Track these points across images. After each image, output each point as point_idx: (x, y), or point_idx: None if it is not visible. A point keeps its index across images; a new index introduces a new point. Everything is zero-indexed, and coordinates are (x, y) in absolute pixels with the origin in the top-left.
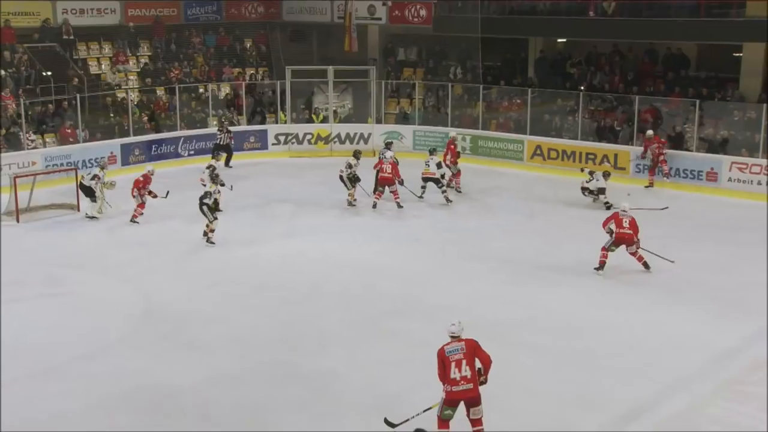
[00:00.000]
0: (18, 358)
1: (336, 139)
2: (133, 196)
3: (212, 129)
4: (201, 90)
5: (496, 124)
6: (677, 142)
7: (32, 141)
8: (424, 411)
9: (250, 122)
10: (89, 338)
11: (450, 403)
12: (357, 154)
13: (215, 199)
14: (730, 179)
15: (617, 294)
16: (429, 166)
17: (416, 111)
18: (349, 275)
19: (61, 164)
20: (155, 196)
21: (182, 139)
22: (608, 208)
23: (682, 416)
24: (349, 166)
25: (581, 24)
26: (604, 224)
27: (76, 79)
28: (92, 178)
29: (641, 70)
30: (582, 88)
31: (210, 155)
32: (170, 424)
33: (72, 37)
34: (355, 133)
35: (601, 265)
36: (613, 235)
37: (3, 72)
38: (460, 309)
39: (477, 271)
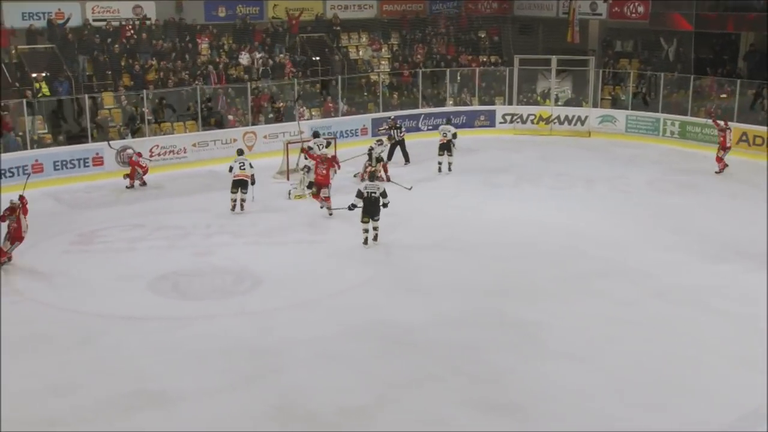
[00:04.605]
0: (281, 290)
1: (555, 120)
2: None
3: (449, 108)
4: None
5: (704, 111)
6: None
7: (301, 113)
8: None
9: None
10: (338, 278)
11: None
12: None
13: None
14: None
15: None
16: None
17: (629, 97)
18: (559, 238)
19: (323, 134)
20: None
21: (422, 115)
22: None
23: None
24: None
25: None
26: None
27: (338, 61)
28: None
29: None
30: None
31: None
32: (399, 354)
33: (338, 28)
34: (573, 116)
35: None
36: None
37: (282, 55)
38: (657, 275)
39: (676, 242)
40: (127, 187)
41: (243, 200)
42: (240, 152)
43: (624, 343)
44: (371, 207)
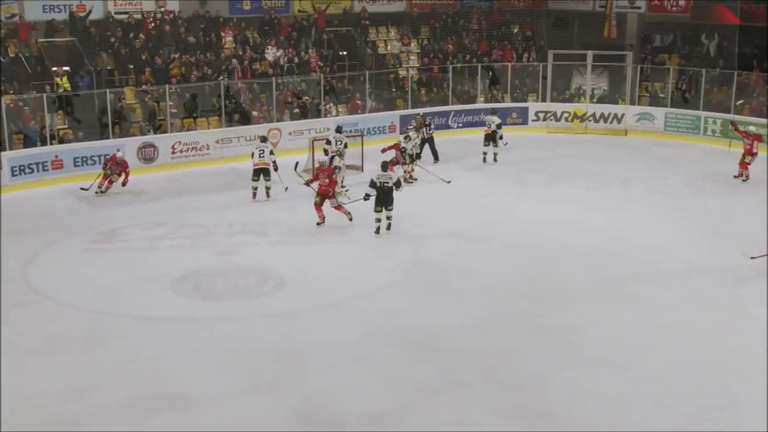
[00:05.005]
0: (306, 291)
1: (591, 118)
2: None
3: (480, 105)
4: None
5: (749, 109)
6: None
7: (327, 109)
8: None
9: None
10: (364, 279)
11: None
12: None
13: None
14: None
15: None
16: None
17: (668, 94)
18: (593, 240)
19: (349, 131)
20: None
21: (452, 113)
22: None
23: None
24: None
25: None
26: None
27: (368, 56)
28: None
29: None
30: None
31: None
32: (426, 359)
33: (367, 22)
34: (609, 113)
35: None
36: None
37: (311, 50)
38: (694, 279)
39: (716, 246)
40: (102, 191)
41: (268, 188)
42: (263, 139)
43: (661, 350)
44: (384, 196)
